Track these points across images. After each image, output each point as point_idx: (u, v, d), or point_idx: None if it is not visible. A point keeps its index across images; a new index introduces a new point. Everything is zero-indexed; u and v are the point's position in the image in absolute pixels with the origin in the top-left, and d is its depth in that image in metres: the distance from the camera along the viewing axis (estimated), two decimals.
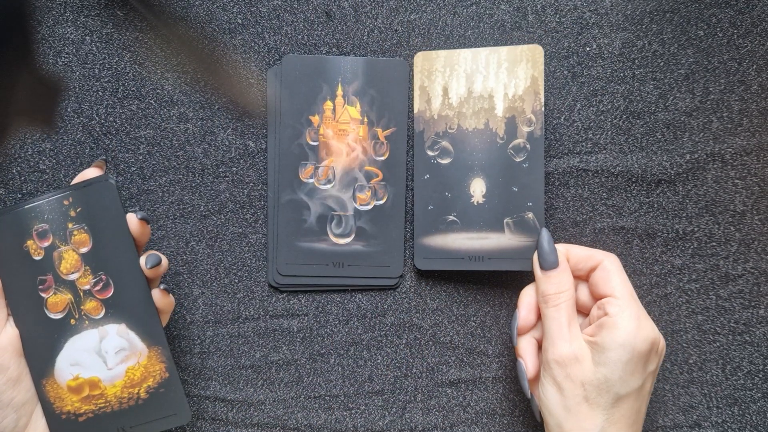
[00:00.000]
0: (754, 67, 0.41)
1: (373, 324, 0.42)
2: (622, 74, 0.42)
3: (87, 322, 0.36)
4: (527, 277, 0.40)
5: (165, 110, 0.41)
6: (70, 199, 0.35)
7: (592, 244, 0.42)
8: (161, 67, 0.41)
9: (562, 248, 0.38)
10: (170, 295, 0.36)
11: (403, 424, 0.42)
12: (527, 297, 0.38)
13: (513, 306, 0.42)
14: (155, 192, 0.42)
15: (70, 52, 0.41)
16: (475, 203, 0.41)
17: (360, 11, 0.41)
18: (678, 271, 0.42)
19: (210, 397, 0.42)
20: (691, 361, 0.42)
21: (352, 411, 0.42)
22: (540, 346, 0.38)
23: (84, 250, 0.36)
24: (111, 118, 0.41)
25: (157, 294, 0.36)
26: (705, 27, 0.42)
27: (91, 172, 0.36)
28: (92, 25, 0.41)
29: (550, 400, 0.35)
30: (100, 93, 0.41)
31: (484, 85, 0.40)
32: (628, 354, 0.34)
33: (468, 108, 0.41)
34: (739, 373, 0.42)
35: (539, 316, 0.38)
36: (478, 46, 0.42)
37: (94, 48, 0.41)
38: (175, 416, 0.37)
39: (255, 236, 0.42)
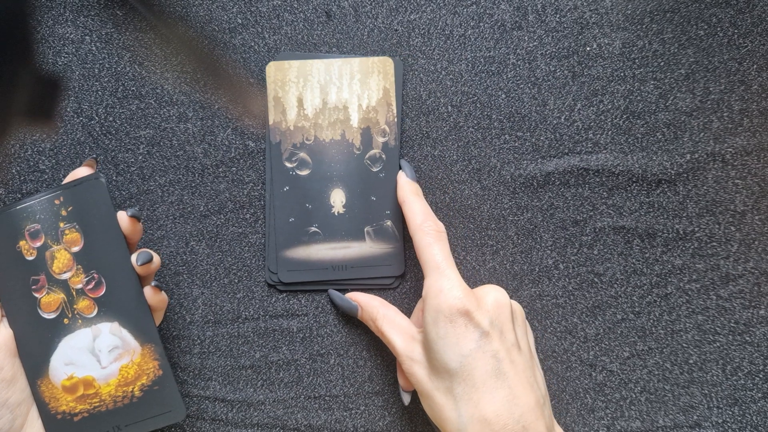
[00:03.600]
0: (755, 66, 0.41)
1: None
2: (622, 74, 0.42)
3: (80, 321, 0.36)
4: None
5: (165, 110, 0.41)
6: (61, 199, 0.35)
7: (593, 244, 0.42)
8: (161, 67, 0.41)
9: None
10: (162, 292, 0.36)
11: (403, 424, 0.42)
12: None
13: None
14: (155, 192, 0.41)
15: (70, 51, 0.41)
16: (336, 213, 0.41)
17: (360, 11, 0.41)
18: (678, 271, 0.42)
19: (210, 398, 0.42)
20: (691, 361, 0.42)
21: (352, 411, 0.42)
22: None
23: (76, 249, 0.36)
24: (111, 118, 0.41)
25: (149, 291, 0.36)
26: (705, 27, 0.42)
27: (82, 171, 0.36)
28: (92, 25, 0.41)
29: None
30: (100, 93, 0.41)
31: (338, 96, 0.41)
32: (432, 317, 0.34)
33: (324, 119, 0.41)
34: (739, 373, 0.42)
35: None
36: (479, 46, 0.42)
37: (94, 48, 0.41)
38: (170, 413, 0.37)
39: (255, 236, 0.42)
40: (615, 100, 0.42)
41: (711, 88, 0.42)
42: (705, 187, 0.42)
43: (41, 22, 0.41)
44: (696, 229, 0.42)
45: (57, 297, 0.35)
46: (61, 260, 0.35)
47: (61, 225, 0.35)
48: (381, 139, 0.41)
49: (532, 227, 0.42)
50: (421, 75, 0.42)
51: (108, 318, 0.36)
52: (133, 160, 0.41)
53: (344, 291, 0.42)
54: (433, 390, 0.34)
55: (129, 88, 0.41)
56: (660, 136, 0.42)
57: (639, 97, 0.42)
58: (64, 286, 0.35)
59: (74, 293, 0.36)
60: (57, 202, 0.35)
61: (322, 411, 0.42)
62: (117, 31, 0.41)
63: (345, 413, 0.42)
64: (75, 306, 0.36)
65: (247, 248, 0.42)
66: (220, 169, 0.42)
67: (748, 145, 0.41)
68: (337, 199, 0.41)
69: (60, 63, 0.41)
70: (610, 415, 0.42)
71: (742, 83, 0.42)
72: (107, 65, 0.41)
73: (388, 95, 0.41)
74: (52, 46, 0.41)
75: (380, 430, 0.42)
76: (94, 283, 0.36)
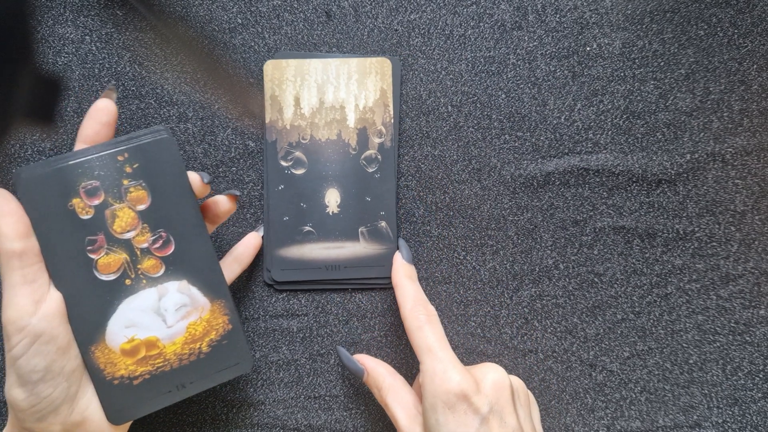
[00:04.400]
0: (755, 66, 0.41)
1: (373, 324, 0.42)
2: (622, 74, 0.42)
3: (145, 281, 0.34)
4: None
5: (165, 110, 0.41)
6: (126, 155, 0.33)
7: (593, 244, 0.42)
8: (161, 67, 0.41)
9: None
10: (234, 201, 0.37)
11: None
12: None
13: (513, 306, 0.42)
14: None
15: (70, 51, 0.41)
16: (331, 213, 0.41)
17: (360, 11, 0.41)
18: (678, 271, 0.42)
19: (210, 397, 0.42)
20: (691, 361, 0.42)
21: (352, 411, 0.42)
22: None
23: (142, 207, 0.34)
24: None
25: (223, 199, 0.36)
26: (705, 27, 0.42)
27: (103, 103, 0.35)
28: (92, 25, 0.41)
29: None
30: (100, 93, 0.41)
31: (335, 95, 0.41)
32: (429, 402, 0.33)
33: (320, 118, 0.41)
34: (739, 373, 0.42)
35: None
36: (479, 46, 0.42)
37: (94, 48, 0.41)
38: (237, 366, 0.36)
39: None
40: (615, 100, 0.42)
41: (711, 88, 0.42)
42: (705, 187, 0.42)
43: (41, 22, 0.41)
44: (696, 229, 0.42)
45: (118, 257, 0.34)
46: (123, 219, 0.33)
47: (125, 182, 0.33)
48: (377, 140, 0.41)
49: (532, 227, 0.42)
50: (421, 75, 0.42)
51: (176, 276, 0.34)
52: None
53: (343, 290, 0.42)
54: None
55: (129, 88, 0.41)
56: (660, 136, 0.42)
57: (639, 97, 0.42)
58: (126, 245, 0.34)
59: (138, 252, 0.34)
60: (120, 158, 0.33)
61: (322, 411, 0.42)
62: (117, 31, 0.41)
63: (345, 413, 0.42)
64: (139, 266, 0.34)
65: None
66: (220, 169, 0.42)
67: (748, 145, 0.41)
68: (332, 198, 0.41)
69: (60, 63, 0.41)
70: (610, 415, 0.42)
71: (742, 83, 0.42)
72: (107, 65, 0.41)
73: (385, 96, 0.41)
74: (52, 46, 0.41)
75: (380, 430, 0.42)
76: (161, 241, 0.34)
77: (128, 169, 0.33)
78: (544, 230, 0.42)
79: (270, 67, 0.41)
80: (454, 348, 0.42)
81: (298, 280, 0.41)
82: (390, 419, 0.39)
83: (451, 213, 0.42)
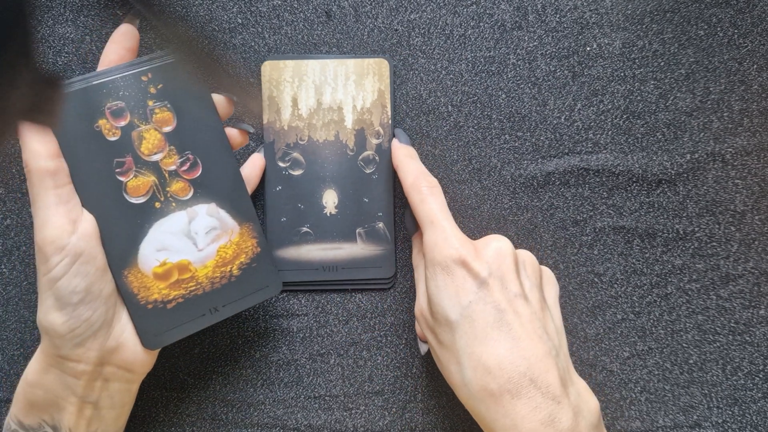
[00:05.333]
0: (755, 66, 0.41)
1: (373, 324, 0.42)
2: (622, 74, 0.42)
3: (174, 204, 0.34)
4: None
5: None
6: (150, 75, 0.33)
7: (593, 244, 0.42)
8: None
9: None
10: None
11: (403, 424, 0.42)
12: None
13: None
14: None
15: (70, 51, 0.41)
16: (328, 214, 0.41)
17: (360, 11, 0.41)
18: (678, 271, 0.42)
19: (210, 397, 0.42)
20: (691, 361, 0.42)
21: (352, 411, 0.42)
22: None
23: (168, 129, 0.33)
24: None
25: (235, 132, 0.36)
26: (705, 27, 0.42)
27: (126, 28, 0.34)
28: (92, 25, 0.41)
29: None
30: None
31: (333, 96, 0.41)
32: (430, 271, 0.33)
33: (318, 119, 0.41)
34: (739, 373, 0.42)
35: None
36: (479, 46, 0.42)
37: (94, 47, 0.41)
38: (267, 288, 0.36)
39: None
40: (615, 100, 0.42)
41: (711, 88, 0.42)
42: (705, 187, 0.42)
43: (41, 22, 0.41)
44: (696, 229, 0.42)
45: (147, 180, 0.33)
46: (150, 141, 0.33)
47: (150, 103, 0.33)
48: (375, 141, 0.41)
49: (532, 227, 0.42)
50: (422, 75, 0.42)
51: (205, 199, 0.34)
52: None
53: (342, 291, 0.42)
54: (438, 344, 0.34)
55: None
56: (660, 136, 0.42)
57: (639, 97, 0.42)
58: (155, 168, 0.33)
59: (167, 175, 0.33)
60: (144, 78, 0.32)
61: (322, 411, 0.42)
62: None
63: (345, 413, 0.42)
64: (168, 189, 0.33)
65: None
66: None
67: (748, 145, 0.41)
68: (330, 199, 0.41)
69: (60, 63, 0.41)
70: (610, 415, 0.42)
71: (742, 83, 0.42)
72: None
73: (383, 97, 0.41)
74: (52, 46, 0.41)
75: (380, 430, 0.42)
76: (189, 164, 0.34)
77: (152, 90, 0.33)
78: (544, 230, 0.42)
79: (268, 68, 0.41)
80: None
81: (296, 281, 0.41)
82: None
83: (451, 213, 0.42)
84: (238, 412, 0.42)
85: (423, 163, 0.42)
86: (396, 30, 0.42)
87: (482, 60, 0.42)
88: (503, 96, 0.42)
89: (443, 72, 0.42)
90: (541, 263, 0.42)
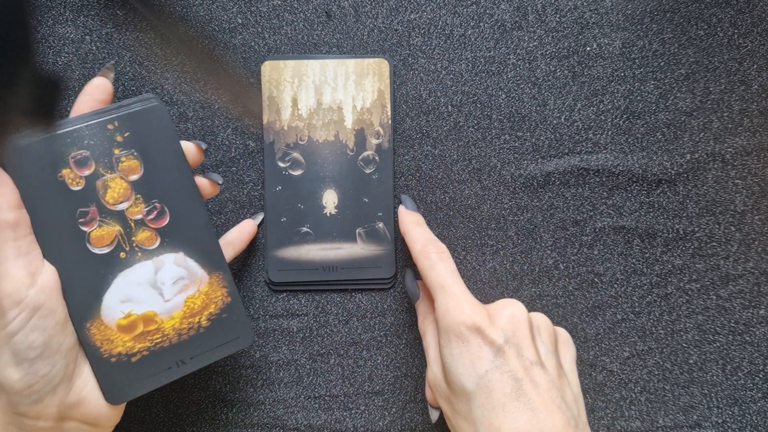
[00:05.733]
0: (755, 66, 0.41)
1: (373, 324, 0.42)
2: (622, 74, 0.42)
3: (140, 253, 0.33)
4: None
5: None
6: (116, 124, 0.32)
7: (593, 244, 0.42)
8: (161, 67, 0.41)
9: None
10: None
11: (403, 424, 0.42)
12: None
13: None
14: None
15: (70, 51, 0.41)
16: (328, 214, 0.41)
17: (360, 11, 0.41)
18: (678, 271, 0.42)
19: (210, 397, 0.42)
20: (691, 361, 0.42)
21: (352, 411, 0.42)
22: None
23: (134, 177, 0.33)
24: None
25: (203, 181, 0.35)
26: (705, 27, 0.42)
27: (98, 81, 0.34)
28: (92, 25, 0.41)
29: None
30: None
31: (333, 96, 0.41)
32: (444, 338, 0.33)
33: (318, 119, 0.41)
34: (739, 373, 0.42)
35: None
36: (479, 46, 0.42)
37: (94, 47, 0.41)
38: (237, 340, 0.35)
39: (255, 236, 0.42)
40: (615, 100, 0.42)
41: (711, 88, 0.42)
42: (705, 187, 0.42)
43: (41, 22, 0.41)
44: (696, 229, 0.42)
45: (111, 230, 0.32)
46: (116, 190, 0.32)
47: (116, 152, 0.32)
48: (375, 141, 0.41)
49: (532, 227, 0.42)
50: (422, 74, 0.42)
51: (172, 248, 0.33)
52: None
53: (342, 290, 0.42)
54: (453, 413, 0.33)
55: (129, 88, 0.41)
56: (660, 136, 0.42)
57: (639, 97, 0.42)
58: (120, 217, 0.32)
59: (132, 224, 0.33)
60: (110, 127, 0.32)
61: (322, 411, 0.42)
62: (117, 31, 0.41)
63: (345, 413, 0.42)
64: (134, 238, 0.33)
65: (247, 248, 0.42)
66: (220, 169, 0.42)
67: (748, 145, 0.41)
68: (330, 199, 0.41)
69: (60, 63, 0.41)
70: (610, 415, 0.42)
71: (742, 83, 0.42)
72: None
73: (382, 97, 0.41)
74: (52, 46, 0.41)
75: (380, 430, 0.42)
76: (156, 212, 0.33)
77: (119, 138, 0.32)
78: (544, 230, 0.42)
79: (268, 68, 0.41)
80: None
81: (296, 281, 0.41)
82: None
83: (451, 213, 0.42)
84: (238, 412, 0.42)
85: (423, 163, 0.42)
86: (396, 30, 0.42)
87: (482, 60, 0.42)
88: (503, 96, 0.42)
89: (443, 72, 0.42)
90: (541, 263, 0.42)
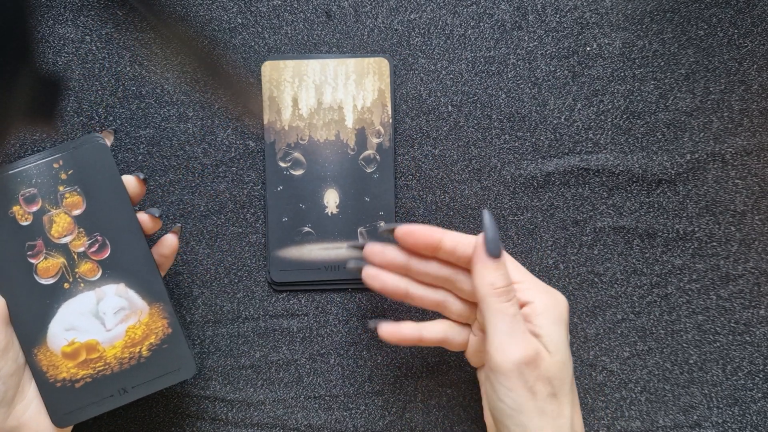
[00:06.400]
0: (755, 66, 0.41)
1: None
2: (622, 74, 0.42)
3: (82, 284, 0.35)
4: None
5: (165, 110, 0.41)
6: (60, 162, 0.35)
7: (593, 244, 0.42)
8: (161, 67, 0.41)
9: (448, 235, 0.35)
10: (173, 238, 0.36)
11: (403, 424, 0.42)
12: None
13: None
14: (155, 192, 0.41)
15: (70, 51, 0.41)
16: (329, 214, 0.41)
17: (360, 11, 0.41)
18: (678, 271, 0.42)
19: (210, 397, 0.42)
20: (691, 361, 0.42)
21: (352, 411, 0.42)
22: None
23: (77, 212, 0.35)
24: (111, 118, 0.41)
25: (145, 217, 0.36)
26: (705, 27, 0.42)
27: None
28: (92, 25, 0.41)
29: (523, 406, 0.31)
30: (100, 93, 0.41)
31: (333, 96, 0.41)
32: (563, 329, 0.33)
33: (319, 119, 0.41)
34: (739, 373, 0.42)
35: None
36: (479, 46, 0.42)
37: (94, 47, 0.41)
38: (179, 371, 0.36)
39: (255, 236, 0.42)
40: (615, 100, 0.42)
41: (711, 88, 0.42)
42: (705, 187, 0.42)
43: (41, 22, 0.41)
44: (696, 229, 0.42)
45: (56, 261, 0.35)
46: (60, 224, 0.35)
47: (61, 189, 0.35)
48: (375, 140, 0.41)
49: (532, 227, 0.42)
50: (422, 74, 0.42)
51: (113, 280, 0.35)
52: (133, 159, 0.41)
53: (343, 290, 0.42)
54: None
55: (129, 88, 0.41)
56: (660, 136, 0.42)
57: (639, 97, 0.42)
58: (64, 250, 0.35)
59: (75, 257, 0.35)
60: (56, 165, 0.34)
61: (322, 411, 0.42)
62: (117, 31, 0.41)
63: (345, 413, 0.42)
64: (77, 270, 0.35)
65: (247, 248, 0.42)
66: (220, 169, 0.42)
67: (748, 145, 0.41)
68: (331, 199, 0.41)
69: (60, 63, 0.41)
70: (610, 415, 0.42)
71: (742, 83, 0.42)
72: (107, 65, 0.41)
73: (383, 96, 0.41)
74: (52, 46, 0.41)
75: (380, 430, 0.42)
76: (97, 245, 0.35)
77: (63, 176, 0.35)
78: (544, 230, 0.42)
79: (268, 68, 0.41)
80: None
81: (297, 281, 0.41)
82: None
83: (451, 213, 0.42)
84: (238, 412, 0.42)
85: (423, 163, 0.42)
86: (396, 30, 0.42)
87: (482, 60, 0.42)
88: (503, 96, 0.42)
89: (443, 72, 0.42)
90: (541, 263, 0.42)
